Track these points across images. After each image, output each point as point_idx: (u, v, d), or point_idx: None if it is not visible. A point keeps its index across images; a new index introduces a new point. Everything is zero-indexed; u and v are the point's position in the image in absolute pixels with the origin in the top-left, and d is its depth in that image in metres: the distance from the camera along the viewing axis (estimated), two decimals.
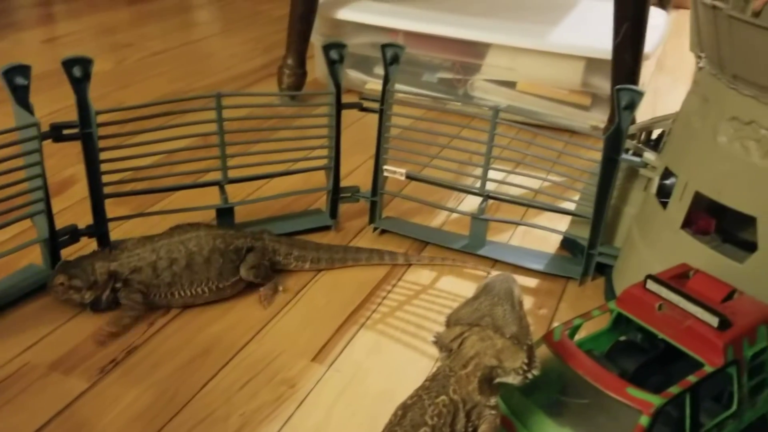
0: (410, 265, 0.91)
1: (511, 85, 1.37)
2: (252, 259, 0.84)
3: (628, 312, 0.64)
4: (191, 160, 0.88)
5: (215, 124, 0.86)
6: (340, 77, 0.88)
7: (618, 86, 0.81)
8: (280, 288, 0.86)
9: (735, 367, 0.58)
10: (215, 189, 0.91)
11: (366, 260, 0.91)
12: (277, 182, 0.98)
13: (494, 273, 0.80)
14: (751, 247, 0.70)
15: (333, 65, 0.87)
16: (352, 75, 1.46)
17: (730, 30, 0.66)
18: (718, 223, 0.77)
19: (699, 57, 0.75)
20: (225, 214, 0.91)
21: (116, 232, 0.91)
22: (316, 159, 0.94)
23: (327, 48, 0.86)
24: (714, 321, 0.59)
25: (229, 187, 0.91)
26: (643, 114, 1.49)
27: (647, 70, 1.60)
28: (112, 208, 0.87)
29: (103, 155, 0.81)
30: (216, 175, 0.90)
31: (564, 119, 1.34)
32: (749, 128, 0.67)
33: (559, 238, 0.97)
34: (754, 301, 0.63)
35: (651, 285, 0.63)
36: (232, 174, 0.90)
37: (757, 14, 0.72)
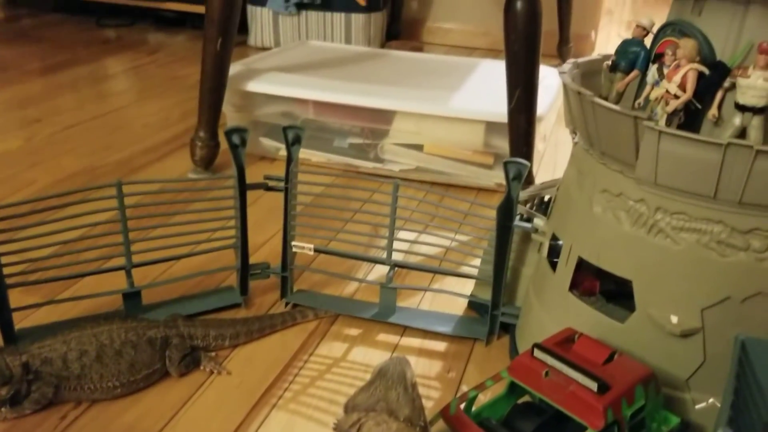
0: (320, 319, 0.97)
1: (418, 147, 1.42)
2: (176, 354, 0.85)
3: (519, 380, 0.68)
4: (95, 247, 0.88)
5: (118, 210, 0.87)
6: (242, 160, 0.91)
7: (505, 160, 0.86)
8: (213, 354, 0.88)
9: (615, 427, 0.63)
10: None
11: (281, 324, 0.94)
12: (186, 260, 0.99)
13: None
14: (631, 307, 0.75)
15: (235, 149, 0.90)
16: (265, 143, 1.49)
17: (594, 113, 0.72)
18: (602, 284, 0.83)
19: (573, 133, 0.81)
20: (132, 297, 0.92)
21: (28, 320, 0.91)
22: (223, 239, 0.96)
23: (228, 133, 0.89)
24: (593, 385, 0.63)
25: (138, 269, 0.92)
26: (545, 166, 1.58)
27: (548, 123, 1.70)
28: (21, 296, 0.86)
29: (0, 248, 0.81)
30: (122, 260, 0.90)
31: (470, 178, 1.40)
32: (619, 200, 0.73)
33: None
34: (631, 361, 0.69)
35: (537, 353, 0.68)
36: (138, 258, 0.91)
37: (621, 94, 0.80)
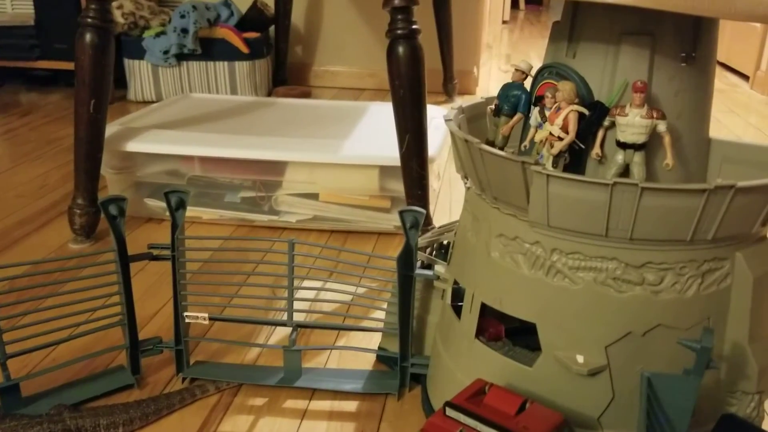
0: (222, 391, 0.91)
1: (314, 196, 1.39)
2: None
3: None
4: None
5: None
6: (122, 231, 0.85)
7: (401, 209, 0.85)
8: None
9: None
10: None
11: (179, 403, 0.88)
12: (70, 343, 0.91)
13: None
14: (538, 345, 0.75)
15: (113, 221, 0.84)
16: (151, 204, 1.42)
17: (483, 160, 0.71)
18: (507, 322, 0.82)
19: (465, 179, 0.80)
20: (9, 392, 0.83)
21: None
22: (108, 317, 0.88)
23: (105, 204, 0.83)
24: None
25: (15, 359, 0.83)
26: (441, 204, 1.59)
27: (441, 161, 1.71)
28: None
29: None
30: None
31: (369, 223, 1.38)
32: (515, 243, 0.73)
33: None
34: (543, 409, 0.67)
35: (450, 412, 0.65)
36: (12, 348, 0.82)
37: (506, 138, 0.80)
